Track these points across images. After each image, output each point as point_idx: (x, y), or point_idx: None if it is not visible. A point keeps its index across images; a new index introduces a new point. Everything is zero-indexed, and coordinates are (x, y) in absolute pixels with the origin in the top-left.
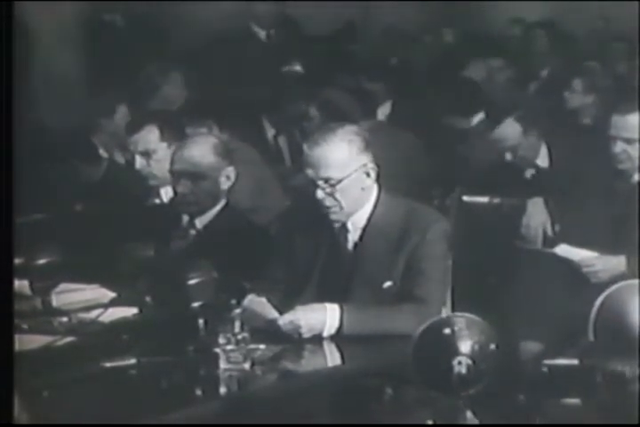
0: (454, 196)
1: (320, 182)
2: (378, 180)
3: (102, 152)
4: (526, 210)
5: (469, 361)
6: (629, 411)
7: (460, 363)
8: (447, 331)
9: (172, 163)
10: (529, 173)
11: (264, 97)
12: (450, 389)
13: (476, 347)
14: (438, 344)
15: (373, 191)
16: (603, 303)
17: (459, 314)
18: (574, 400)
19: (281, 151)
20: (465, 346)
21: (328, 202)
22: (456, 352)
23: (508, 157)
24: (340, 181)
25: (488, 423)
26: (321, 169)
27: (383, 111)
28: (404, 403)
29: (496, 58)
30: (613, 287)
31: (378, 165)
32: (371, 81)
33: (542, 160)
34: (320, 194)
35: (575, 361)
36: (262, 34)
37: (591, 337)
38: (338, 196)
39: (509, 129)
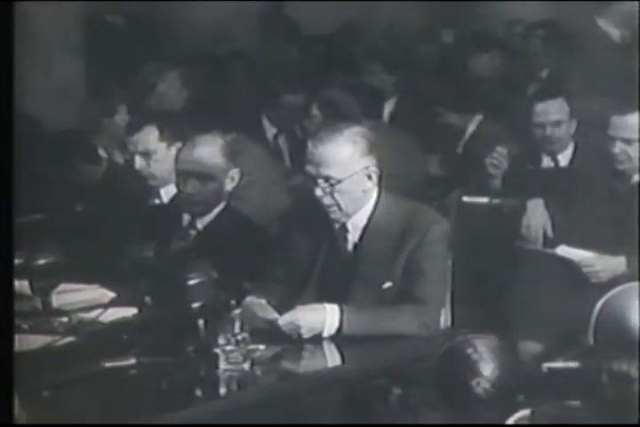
0: (454, 196)
1: (320, 181)
2: (380, 183)
3: (102, 152)
4: (526, 211)
5: (487, 384)
6: (632, 410)
7: (478, 384)
8: (470, 351)
9: (179, 162)
10: (546, 163)
11: (264, 96)
12: (467, 409)
13: (497, 370)
14: (460, 365)
15: (374, 192)
16: (603, 306)
17: (483, 336)
18: (575, 402)
19: (281, 151)
20: (486, 368)
21: (326, 201)
22: (477, 374)
23: (548, 131)
24: (339, 182)
25: (488, 423)
26: (322, 167)
27: (386, 110)
28: (406, 404)
29: (496, 58)
30: (614, 291)
31: (380, 169)
32: (371, 80)
33: (564, 157)
34: (319, 192)
35: (575, 364)
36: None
37: (591, 340)
38: (336, 196)
39: (558, 106)
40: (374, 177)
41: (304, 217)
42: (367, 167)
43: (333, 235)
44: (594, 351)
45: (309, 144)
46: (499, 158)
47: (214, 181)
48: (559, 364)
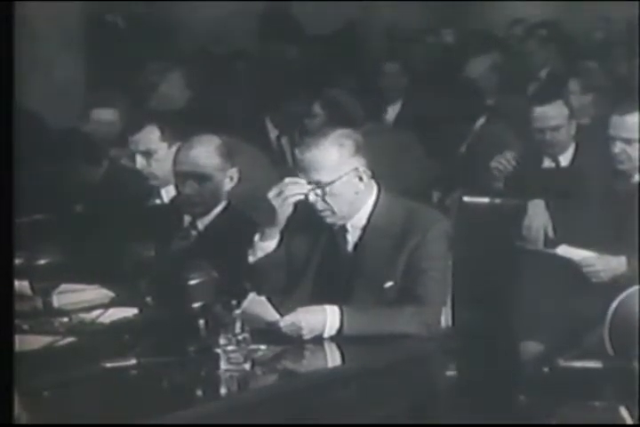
0: (455, 196)
1: (311, 186)
2: (378, 184)
3: (102, 152)
4: (527, 212)
5: None
6: None
7: None
8: None
9: (176, 164)
10: (547, 163)
11: (267, 98)
12: None
13: None
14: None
15: (371, 194)
16: (617, 308)
17: None
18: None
19: (284, 152)
20: None
21: (320, 205)
22: None
23: (548, 135)
24: (329, 184)
25: (488, 423)
26: (311, 172)
27: (390, 111)
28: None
29: (497, 58)
30: (625, 293)
31: (372, 169)
32: (372, 80)
33: (565, 158)
34: (312, 197)
35: (597, 364)
36: None
37: (607, 342)
38: (328, 199)
39: (557, 110)
40: (365, 178)
41: (304, 217)
42: (356, 169)
43: (333, 235)
44: (615, 352)
45: (297, 151)
46: (504, 163)
47: (212, 182)
48: (578, 363)
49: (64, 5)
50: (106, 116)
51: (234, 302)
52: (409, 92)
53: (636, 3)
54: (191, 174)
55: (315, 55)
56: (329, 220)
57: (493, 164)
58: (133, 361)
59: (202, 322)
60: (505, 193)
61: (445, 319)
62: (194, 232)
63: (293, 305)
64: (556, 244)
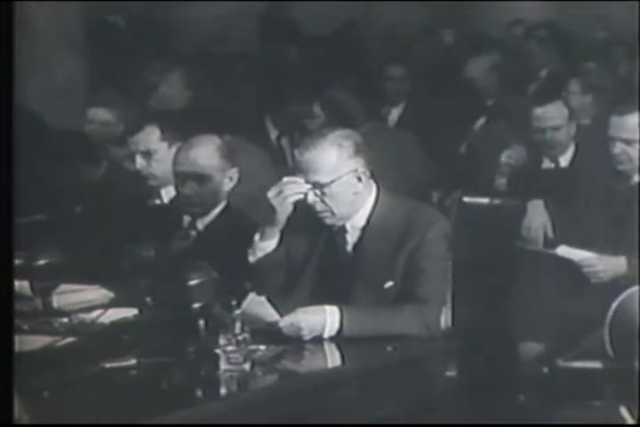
0: (455, 196)
1: (309, 186)
2: (377, 184)
3: (102, 152)
4: (526, 212)
5: None
6: None
7: None
8: None
9: (176, 164)
10: (546, 164)
11: (267, 98)
12: None
13: None
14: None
15: (370, 194)
16: (617, 308)
17: None
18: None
19: (284, 152)
20: None
21: (319, 207)
22: None
23: (548, 135)
24: (328, 185)
25: (488, 423)
26: (310, 174)
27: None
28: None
29: (496, 58)
30: (625, 294)
31: (371, 170)
32: (373, 81)
33: (565, 158)
34: (311, 198)
35: (598, 364)
36: None
37: (607, 342)
38: (327, 200)
39: (557, 110)
40: (364, 179)
41: (304, 217)
42: (355, 170)
43: (333, 235)
44: (615, 353)
45: (296, 152)
46: (516, 157)
47: (211, 182)
48: (578, 363)
49: (64, 5)
50: (105, 116)
51: (234, 303)
52: (410, 94)
53: (636, 3)
54: (191, 175)
55: (315, 55)
56: (328, 221)
57: (504, 159)
58: (133, 361)
59: (202, 322)
60: (505, 193)
61: (445, 320)
62: (193, 232)
63: (293, 305)
64: (555, 244)
